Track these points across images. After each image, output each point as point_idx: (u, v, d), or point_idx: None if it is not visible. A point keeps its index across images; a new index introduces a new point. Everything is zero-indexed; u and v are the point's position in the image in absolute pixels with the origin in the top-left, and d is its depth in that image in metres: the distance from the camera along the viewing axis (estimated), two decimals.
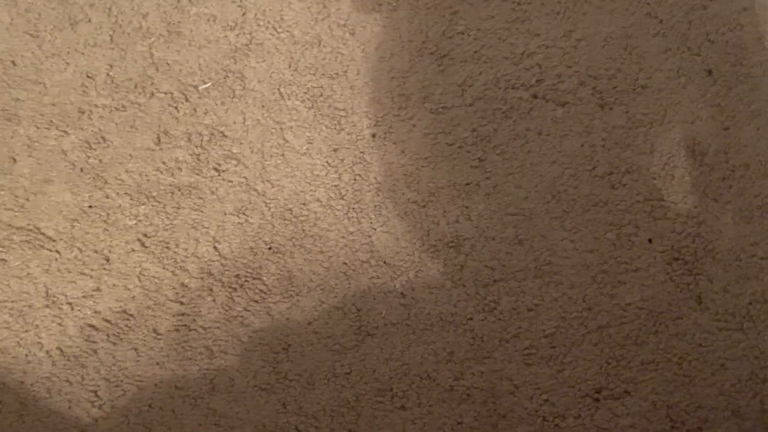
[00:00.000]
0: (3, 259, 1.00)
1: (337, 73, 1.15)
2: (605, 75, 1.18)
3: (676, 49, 1.19)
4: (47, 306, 0.98)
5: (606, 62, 1.18)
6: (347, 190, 1.10)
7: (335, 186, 1.10)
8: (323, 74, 1.15)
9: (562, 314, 1.05)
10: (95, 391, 0.99)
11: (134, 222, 1.04)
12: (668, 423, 1.00)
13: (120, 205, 1.04)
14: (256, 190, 1.07)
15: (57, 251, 1.01)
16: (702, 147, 1.15)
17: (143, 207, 1.05)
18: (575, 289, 1.07)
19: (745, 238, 1.10)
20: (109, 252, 1.02)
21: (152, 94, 1.11)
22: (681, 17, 1.19)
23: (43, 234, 1.01)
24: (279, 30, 1.16)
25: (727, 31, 1.18)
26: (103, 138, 1.08)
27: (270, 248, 0.99)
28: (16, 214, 1.02)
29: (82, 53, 1.13)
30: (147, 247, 1.03)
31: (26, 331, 0.97)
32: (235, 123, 1.11)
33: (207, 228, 1.05)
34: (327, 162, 1.11)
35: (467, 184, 1.11)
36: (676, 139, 1.15)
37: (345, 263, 1.07)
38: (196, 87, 1.12)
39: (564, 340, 1.04)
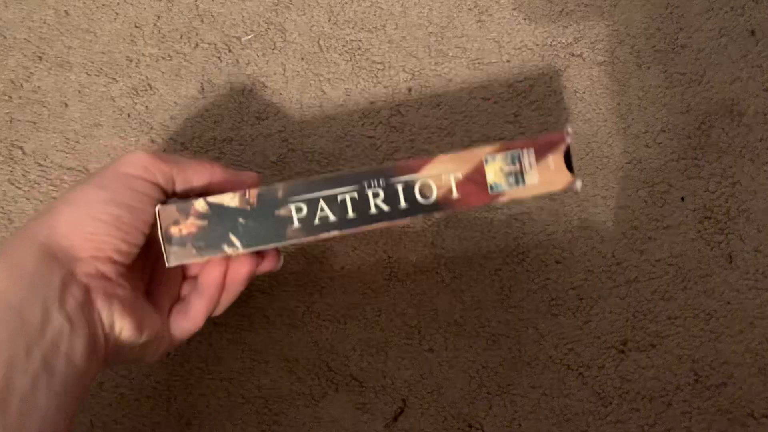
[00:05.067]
0: (55, 198, 1.05)
1: (375, 27, 1.17)
2: (644, 34, 1.17)
3: (718, 9, 1.17)
4: None
5: (645, 21, 1.17)
6: (382, 141, 1.12)
7: (370, 138, 1.12)
8: (362, 28, 1.17)
9: (590, 267, 1.06)
10: None
11: None
12: (692, 376, 1.01)
13: (164, 151, 1.09)
14: (294, 139, 1.10)
15: None
16: (741, 107, 1.14)
17: (187, 153, 1.09)
18: (605, 243, 1.07)
19: None
20: None
21: (197, 44, 1.15)
22: None
23: None
24: None
25: None
26: (150, 86, 1.12)
27: None
28: (67, 155, 1.07)
29: (131, 4, 1.17)
30: None
31: None
32: (275, 74, 1.14)
33: None
34: (363, 114, 1.13)
35: (501, 138, 1.12)
36: (714, 99, 1.14)
37: None
38: (238, 38, 1.15)
39: (591, 292, 1.05)
